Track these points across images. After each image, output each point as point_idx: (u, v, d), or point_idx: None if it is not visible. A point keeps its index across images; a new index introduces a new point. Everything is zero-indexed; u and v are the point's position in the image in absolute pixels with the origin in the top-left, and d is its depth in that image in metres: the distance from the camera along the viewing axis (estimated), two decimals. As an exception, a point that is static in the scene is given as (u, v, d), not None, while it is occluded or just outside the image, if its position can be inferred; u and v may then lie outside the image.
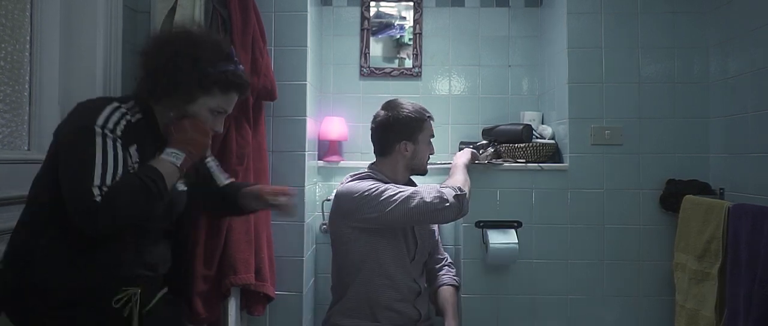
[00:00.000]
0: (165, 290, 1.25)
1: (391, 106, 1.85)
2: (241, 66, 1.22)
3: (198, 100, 1.14)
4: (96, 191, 0.98)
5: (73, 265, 1.05)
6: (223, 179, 1.41)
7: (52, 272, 1.04)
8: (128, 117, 1.10)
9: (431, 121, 1.87)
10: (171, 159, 1.09)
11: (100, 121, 1.04)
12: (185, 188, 1.27)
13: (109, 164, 1.01)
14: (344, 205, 1.75)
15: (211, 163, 1.41)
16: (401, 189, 1.69)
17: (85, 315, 1.06)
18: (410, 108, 1.82)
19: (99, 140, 1.01)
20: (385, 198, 1.67)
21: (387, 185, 1.73)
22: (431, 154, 1.89)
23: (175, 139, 1.12)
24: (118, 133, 1.06)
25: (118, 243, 1.09)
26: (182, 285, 1.32)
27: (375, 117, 1.88)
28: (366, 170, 1.87)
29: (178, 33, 1.20)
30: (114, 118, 1.06)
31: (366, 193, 1.69)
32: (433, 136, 1.88)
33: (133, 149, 1.09)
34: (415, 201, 1.64)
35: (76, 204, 0.98)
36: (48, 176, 1.08)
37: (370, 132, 1.93)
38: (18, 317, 1.05)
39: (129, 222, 1.04)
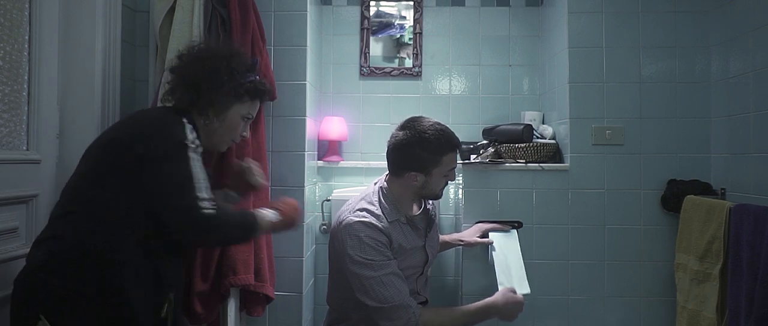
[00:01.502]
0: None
1: (410, 126, 1.56)
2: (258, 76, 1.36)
3: (232, 108, 1.27)
4: (205, 204, 1.08)
5: (139, 274, 1.10)
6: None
7: (123, 281, 1.07)
8: (195, 129, 1.19)
9: (452, 153, 1.58)
10: (272, 217, 1.27)
11: (190, 137, 1.14)
12: None
13: (202, 178, 1.11)
14: (342, 257, 1.53)
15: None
16: (392, 295, 1.47)
17: (136, 319, 1.10)
18: (430, 136, 1.52)
19: (192, 155, 1.12)
20: (375, 291, 1.48)
21: (381, 270, 1.48)
22: (451, 181, 1.64)
23: (285, 211, 1.30)
24: (200, 149, 1.18)
25: (174, 255, 1.20)
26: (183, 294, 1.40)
27: (392, 134, 1.62)
28: (365, 203, 1.59)
29: (212, 48, 1.30)
30: (194, 134, 1.16)
31: (362, 275, 1.49)
32: (453, 168, 1.60)
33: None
34: (392, 314, 1.46)
35: (182, 215, 1.07)
36: (114, 179, 1.09)
37: (371, 131, 1.91)
38: (60, 320, 1.04)
39: (220, 245, 1.25)
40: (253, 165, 1.48)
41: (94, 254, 1.05)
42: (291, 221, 1.32)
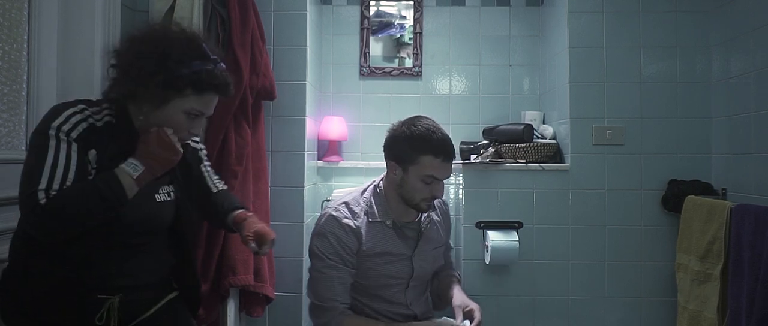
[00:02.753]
0: (173, 294, 1.24)
1: (409, 120, 1.52)
2: (221, 64, 1.12)
3: (170, 102, 1.07)
4: (41, 194, 0.97)
5: (47, 272, 1.06)
6: (219, 186, 1.37)
7: (35, 274, 1.06)
8: (91, 120, 1.06)
9: (435, 159, 1.43)
10: (129, 169, 1.05)
11: (56, 123, 1.01)
12: (170, 199, 1.21)
13: (59, 168, 0.99)
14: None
15: (206, 169, 1.36)
16: (320, 271, 1.48)
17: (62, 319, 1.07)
18: (417, 131, 1.45)
19: (52, 143, 1.00)
20: (314, 285, 1.49)
21: (328, 270, 1.47)
22: (436, 196, 1.49)
23: (139, 150, 1.07)
24: (74, 136, 1.02)
25: (83, 250, 1.07)
26: (189, 290, 1.30)
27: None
28: (352, 197, 1.57)
29: (148, 30, 1.11)
30: (72, 121, 1.03)
31: (311, 266, 1.51)
32: (434, 178, 1.45)
33: (92, 153, 1.05)
34: (318, 313, 1.48)
35: (22, 207, 0.99)
36: None
37: (371, 131, 1.89)
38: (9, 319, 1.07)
39: (82, 227, 1.02)
40: (250, 223, 1.28)
41: (17, 249, 1.08)
42: (156, 159, 1.07)
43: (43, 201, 0.96)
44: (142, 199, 1.11)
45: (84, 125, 1.04)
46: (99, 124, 1.07)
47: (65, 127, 1.02)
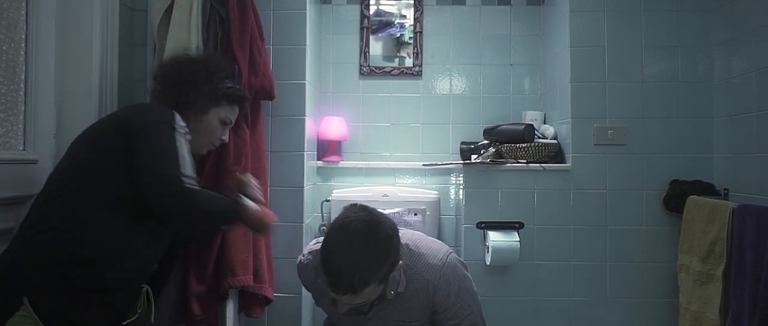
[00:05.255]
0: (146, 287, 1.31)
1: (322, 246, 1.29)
2: (238, 85, 1.43)
3: (211, 111, 1.33)
4: (184, 179, 1.09)
5: (123, 256, 1.13)
6: None
7: (103, 253, 1.10)
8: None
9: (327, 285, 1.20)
10: (248, 208, 1.26)
11: (177, 120, 1.19)
12: None
13: (187, 159, 1.14)
14: None
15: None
16: None
17: (112, 302, 1.14)
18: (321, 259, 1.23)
19: (178, 136, 1.16)
20: None
21: None
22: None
23: (264, 212, 1.30)
24: (188, 136, 1.22)
25: (155, 243, 1.22)
26: (159, 287, 1.36)
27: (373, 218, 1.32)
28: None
29: (190, 55, 1.42)
30: (182, 122, 1.21)
31: None
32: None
33: None
34: None
35: (162, 187, 1.09)
36: (97, 156, 1.13)
37: (371, 131, 1.85)
38: (46, 301, 1.04)
39: (203, 224, 1.27)
40: (252, 180, 1.46)
41: (64, 229, 1.08)
42: (259, 225, 1.29)
43: (191, 186, 1.10)
44: None
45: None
46: None
47: (182, 126, 1.20)
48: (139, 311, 1.22)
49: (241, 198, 1.28)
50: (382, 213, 1.26)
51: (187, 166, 1.13)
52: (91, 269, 1.07)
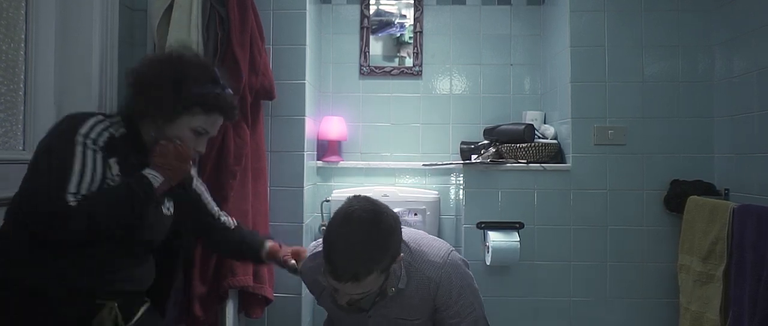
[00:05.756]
0: (148, 304, 1.24)
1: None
2: (229, 90, 1.23)
3: (180, 119, 1.15)
4: (70, 197, 0.98)
5: (50, 271, 1.04)
6: (225, 217, 1.42)
7: (32, 275, 1.04)
8: (111, 130, 1.10)
9: (332, 276, 1.18)
10: (151, 179, 1.10)
11: (83, 130, 1.05)
12: (170, 213, 1.24)
13: (86, 173, 1.02)
14: None
15: (199, 188, 1.38)
16: None
17: (59, 321, 1.05)
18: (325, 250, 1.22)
19: (79, 149, 1.03)
20: None
21: None
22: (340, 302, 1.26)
23: (156, 161, 1.13)
24: (101, 144, 1.07)
25: (91, 256, 1.08)
26: (162, 301, 1.30)
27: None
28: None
29: (166, 54, 1.23)
30: (97, 130, 1.07)
31: None
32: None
33: (113, 162, 1.09)
34: None
35: (43, 207, 0.98)
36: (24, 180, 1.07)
37: (371, 131, 1.84)
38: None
39: (107, 228, 1.04)
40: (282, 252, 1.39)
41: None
42: (175, 168, 1.14)
43: (73, 204, 0.98)
44: (155, 209, 1.17)
45: (107, 134, 1.09)
46: (117, 134, 1.12)
47: (92, 135, 1.06)
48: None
49: (140, 179, 1.09)
50: (384, 204, 1.27)
51: (84, 181, 1.00)
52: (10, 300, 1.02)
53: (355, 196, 1.26)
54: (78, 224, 0.98)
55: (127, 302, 1.14)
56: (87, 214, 0.99)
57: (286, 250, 1.40)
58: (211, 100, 1.17)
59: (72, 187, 0.99)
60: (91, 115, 1.11)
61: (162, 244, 1.25)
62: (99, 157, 1.05)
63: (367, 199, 1.25)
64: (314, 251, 1.43)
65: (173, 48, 1.32)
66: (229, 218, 1.42)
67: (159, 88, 1.13)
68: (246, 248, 1.41)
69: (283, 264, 1.39)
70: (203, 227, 1.38)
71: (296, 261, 1.37)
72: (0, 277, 1.04)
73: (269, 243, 1.41)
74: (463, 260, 1.43)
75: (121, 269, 1.13)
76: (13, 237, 1.06)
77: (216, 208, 1.40)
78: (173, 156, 1.14)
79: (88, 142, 1.04)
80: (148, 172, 1.11)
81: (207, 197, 1.39)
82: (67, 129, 1.05)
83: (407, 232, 1.41)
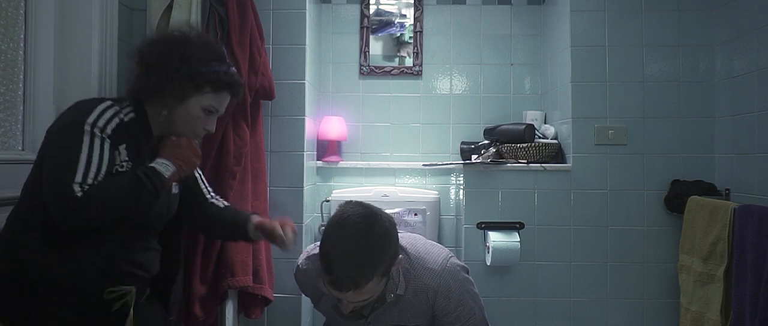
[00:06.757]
0: (148, 291, 1.25)
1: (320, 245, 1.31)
2: (233, 68, 1.24)
3: (191, 98, 1.16)
4: (77, 188, 0.99)
5: (63, 261, 1.05)
6: (218, 199, 1.40)
7: (42, 268, 1.04)
8: (121, 116, 1.10)
9: (329, 283, 1.20)
10: (161, 168, 1.11)
11: (91, 118, 1.05)
12: (176, 192, 1.27)
13: (93, 162, 1.03)
14: None
15: (198, 172, 1.39)
16: None
17: (75, 311, 1.06)
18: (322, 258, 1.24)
19: (86, 138, 1.03)
20: None
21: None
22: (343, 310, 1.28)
23: (169, 151, 1.15)
24: (108, 131, 1.07)
25: (110, 241, 1.10)
26: (165, 288, 1.31)
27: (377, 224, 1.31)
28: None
29: (171, 33, 1.23)
30: (105, 117, 1.07)
31: None
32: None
33: (122, 148, 1.10)
34: None
35: (54, 199, 1.00)
36: (38, 174, 1.08)
37: (370, 131, 1.84)
38: (7, 314, 1.04)
39: (117, 217, 1.06)
40: (288, 232, 1.33)
41: (4, 246, 1.06)
42: (185, 160, 1.16)
43: (79, 194, 0.98)
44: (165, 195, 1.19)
45: (116, 121, 1.09)
46: (126, 119, 1.12)
47: (100, 123, 1.06)
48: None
49: (150, 168, 1.10)
50: (377, 207, 1.26)
51: (90, 171, 1.01)
52: (26, 288, 1.03)
53: (346, 202, 1.26)
54: (87, 213, 1.00)
55: (139, 288, 1.16)
56: (96, 205, 1.00)
57: (273, 223, 1.33)
58: (221, 77, 1.18)
59: (78, 177, 1.00)
60: (100, 100, 1.11)
61: (165, 230, 1.26)
62: (107, 145, 1.06)
63: (359, 204, 1.25)
64: (311, 253, 1.43)
65: (176, 29, 1.31)
66: (219, 200, 1.41)
67: (168, 68, 1.13)
68: (231, 225, 1.37)
69: (271, 236, 1.31)
70: (194, 209, 1.36)
71: (284, 232, 1.30)
72: (17, 278, 1.04)
73: (256, 219, 1.35)
74: (462, 266, 1.42)
75: (133, 253, 1.14)
76: (22, 235, 1.05)
77: (211, 192, 1.40)
78: (187, 147, 1.17)
79: (96, 130, 1.05)
80: (160, 162, 1.12)
81: (202, 180, 1.39)
82: (75, 118, 1.06)
83: (406, 238, 1.40)
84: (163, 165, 1.12)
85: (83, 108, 1.07)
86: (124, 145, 1.10)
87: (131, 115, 1.14)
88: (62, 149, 1.03)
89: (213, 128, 1.23)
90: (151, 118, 1.18)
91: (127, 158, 1.10)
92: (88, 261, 1.07)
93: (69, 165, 1.00)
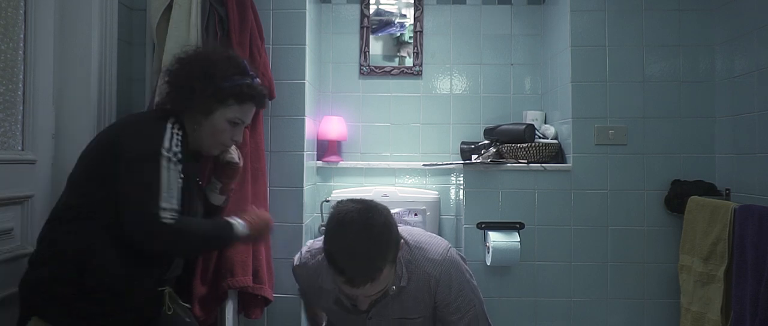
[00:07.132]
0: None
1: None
2: (257, 79, 1.32)
3: (216, 112, 1.25)
4: (165, 214, 1.08)
5: (128, 272, 1.13)
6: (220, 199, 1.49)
7: (109, 277, 1.11)
8: (179, 136, 1.19)
9: (341, 280, 1.19)
10: (241, 230, 1.25)
11: (166, 144, 1.14)
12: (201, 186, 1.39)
13: (172, 187, 1.12)
14: None
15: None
16: None
17: (130, 315, 1.16)
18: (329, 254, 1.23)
19: (164, 163, 1.12)
20: None
21: None
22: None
23: (253, 219, 1.30)
24: (179, 155, 1.16)
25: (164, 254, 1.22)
26: (186, 287, 1.41)
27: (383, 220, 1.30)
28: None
29: (196, 52, 1.30)
30: (175, 141, 1.16)
31: None
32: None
33: (180, 167, 1.18)
34: None
35: (139, 225, 1.08)
36: (96, 184, 1.14)
37: (370, 131, 1.84)
38: (59, 320, 1.09)
39: (190, 253, 1.27)
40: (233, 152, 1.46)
41: (70, 254, 1.10)
42: (259, 234, 1.32)
43: (169, 222, 1.08)
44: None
45: (180, 144, 1.18)
46: (180, 137, 1.20)
47: (174, 148, 1.15)
48: (170, 312, 1.24)
49: (233, 220, 1.26)
50: (370, 199, 1.28)
51: (170, 196, 1.10)
52: (95, 297, 1.09)
53: (339, 202, 1.28)
54: (169, 242, 1.11)
55: (180, 285, 1.31)
56: (178, 236, 1.11)
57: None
58: (244, 90, 1.26)
59: (164, 203, 1.09)
60: (163, 118, 1.19)
61: None
62: (179, 167, 1.15)
63: (351, 200, 1.27)
64: (312, 247, 1.44)
65: (200, 47, 1.41)
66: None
67: (193, 85, 1.21)
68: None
69: (227, 164, 1.43)
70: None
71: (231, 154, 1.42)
72: (75, 280, 1.09)
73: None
74: (462, 256, 1.44)
75: (172, 259, 1.25)
76: (98, 248, 1.11)
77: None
78: (266, 225, 1.33)
79: (171, 155, 1.13)
80: (241, 224, 1.26)
81: (211, 193, 1.49)
82: (151, 142, 1.13)
83: (406, 231, 1.41)
84: (243, 228, 1.25)
85: (155, 132, 1.15)
86: (181, 165, 1.19)
87: (180, 132, 1.21)
88: (143, 177, 1.10)
89: (240, 138, 1.32)
90: (189, 133, 1.25)
91: (181, 173, 1.17)
92: (151, 272, 1.18)
93: (152, 193, 1.08)
